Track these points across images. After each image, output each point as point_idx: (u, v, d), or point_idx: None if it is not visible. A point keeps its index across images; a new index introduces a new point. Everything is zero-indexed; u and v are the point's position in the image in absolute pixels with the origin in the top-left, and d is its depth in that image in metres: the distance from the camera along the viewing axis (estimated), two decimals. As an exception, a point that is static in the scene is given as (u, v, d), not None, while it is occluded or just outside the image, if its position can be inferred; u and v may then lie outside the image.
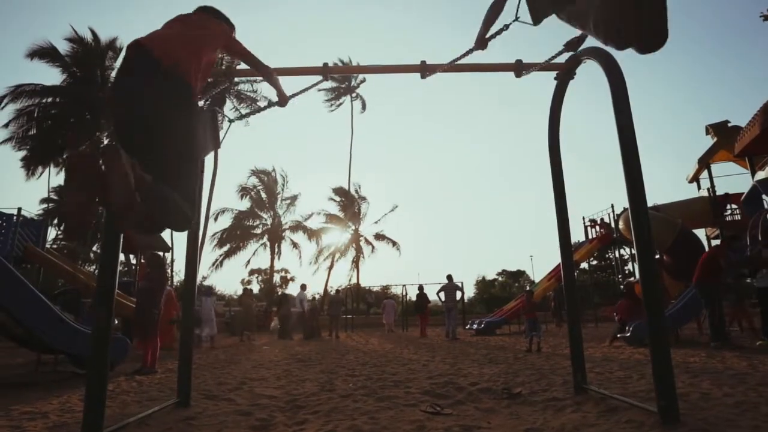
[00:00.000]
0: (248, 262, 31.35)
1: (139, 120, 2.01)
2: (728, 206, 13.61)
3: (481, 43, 2.93)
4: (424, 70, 3.20)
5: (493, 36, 2.89)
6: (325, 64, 3.21)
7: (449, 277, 13.38)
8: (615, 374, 4.48)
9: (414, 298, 15.93)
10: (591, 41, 2.97)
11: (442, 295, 13.19)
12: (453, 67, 3.15)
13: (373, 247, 32.16)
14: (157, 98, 2.00)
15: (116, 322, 11.36)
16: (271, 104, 3.28)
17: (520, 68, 3.26)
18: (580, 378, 3.47)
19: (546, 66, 3.30)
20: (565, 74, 3.36)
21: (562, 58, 3.24)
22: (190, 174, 2.12)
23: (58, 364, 5.99)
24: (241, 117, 3.35)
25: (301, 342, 12.87)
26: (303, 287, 16.23)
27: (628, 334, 7.94)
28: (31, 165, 23.38)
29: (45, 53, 22.61)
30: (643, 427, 2.35)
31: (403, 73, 3.32)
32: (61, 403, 3.64)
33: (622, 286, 14.70)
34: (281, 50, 67.41)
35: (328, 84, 34.61)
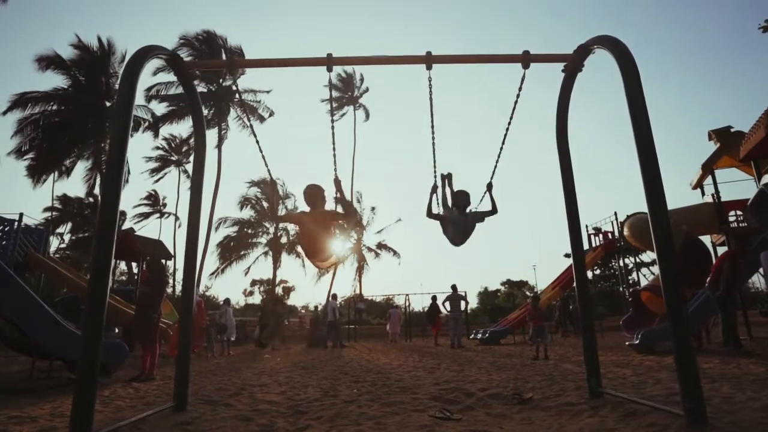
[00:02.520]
0: (248, 269, 31.15)
1: None
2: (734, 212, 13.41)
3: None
4: (429, 61, 3.10)
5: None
6: (329, 55, 3.11)
7: (454, 287, 13.40)
8: (629, 380, 4.32)
9: (415, 308, 15.90)
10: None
11: (447, 305, 13.27)
12: (459, 57, 3.06)
13: (376, 254, 32.04)
14: None
15: (116, 330, 11.26)
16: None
17: (527, 59, 3.16)
18: (595, 382, 3.31)
19: (554, 57, 3.20)
20: (573, 66, 3.26)
21: (571, 49, 3.14)
22: None
23: (53, 371, 5.84)
24: None
25: (304, 351, 12.69)
26: (334, 296, 16.39)
27: (637, 342, 7.75)
28: (35, 173, 23.43)
29: (50, 61, 22.78)
30: (668, 431, 2.20)
31: (408, 63, 3.21)
32: (52, 408, 3.50)
33: (628, 295, 14.49)
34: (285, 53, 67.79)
35: (333, 93, 34.78)
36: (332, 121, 3.77)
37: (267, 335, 14.70)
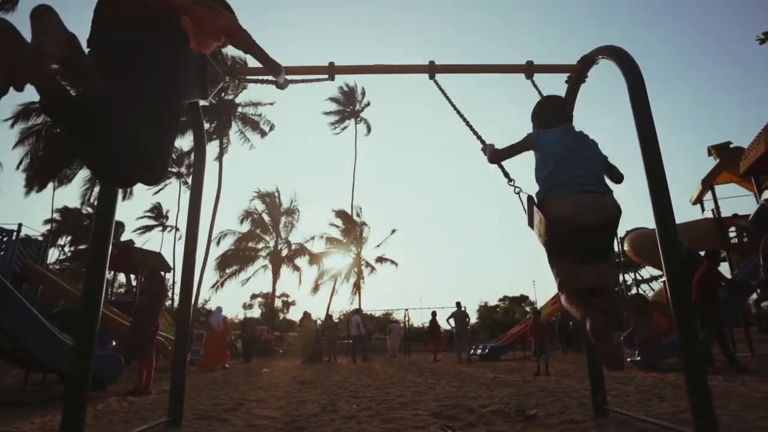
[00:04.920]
0: (246, 281, 31.06)
1: (119, 42, 1.82)
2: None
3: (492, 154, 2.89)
4: (433, 70, 3.09)
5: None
6: (332, 63, 3.11)
7: (458, 304, 13.41)
8: (633, 397, 4.23)
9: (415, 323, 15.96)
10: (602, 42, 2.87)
11: (452, 321, 13.27)
12: (462, 67, 3.05)
13: (372, 268, 31.96)
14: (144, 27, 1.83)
15: (113, 342, 11.13)
16: (268, 82, 3.07)
17: (530, 69, 3.15)
18: (600, 398, 3.23)
19: (558, 67, 3.19)
20: (576, 77, 3.25)
21: (574, 59, 3.13)
22: (166, 113, 1.86)
23: (46, 384, 5.73)
24: (237, 79, 2.80)
25: (302, 365, 12.55)
26: (358, 311, 16.52)
27: (638, 358, 7.64)
28: (34, 183, 23.47)
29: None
30: (678, 450, 2.13)
31: (411, 73, 3.20)
32: (43, 423, 3.41)
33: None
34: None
35: (333, 106, 35.05)
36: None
37: (310, 350, 14.73)
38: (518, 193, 2.80)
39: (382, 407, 3.98)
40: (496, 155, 2.86)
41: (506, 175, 2.92)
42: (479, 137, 3.05)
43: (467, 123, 3.11)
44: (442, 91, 3.12)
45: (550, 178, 2.47)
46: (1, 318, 4.50)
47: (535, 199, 2.59)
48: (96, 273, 2.16)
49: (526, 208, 2.66)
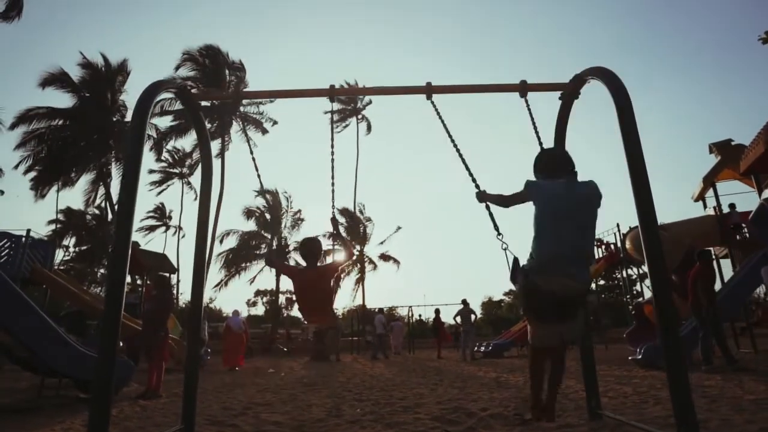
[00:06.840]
0: (252, 279, 31.33)
1: None
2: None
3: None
4: (430, 91, 3.21)
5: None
6: (332, 86, 3.24)
7: (464, 302, 13.61)
8: (629, 399, 4.35)
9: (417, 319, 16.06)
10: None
11: (458, 319, 13.49)
12: (458, 87, 3.17)
13: (375, 265, 32.10)
14: None
15: (120, 344, 11.33)
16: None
17: (524, 88, 3.27)
18: (595, 403, 3.36)
19: (551, 86, 3.31)
20: (569, 94, 3.37)
21: (567, 78, 3.24)
22: None
23: (62, 389, 5.90)
24: None
25: (307, 365, 12.72)
26: (381, 311, 16.91)
27: (639, 357, 7.75)
28: (39, 186, 23.65)
29: (56, 79, 23.12)
30: (662, 456, 2.25)
31: (409, 94, 3.33)
32: (63, 429, 3.57)
33: (631, 308, 14.46)
34: (289, 72, 68.48)
35: (336, 105, 35.09)
36: (332, 154, 3.50)
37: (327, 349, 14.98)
38: (505, 250, 2.83)
39: (385, 411, 4.12)
40: (489, 198, 3.01)
41: (496, 227, 3.01)
42: (474, 180, 3.16)
43: (464, 163, 3.22)
44: (441, 119, 3.26)
45: (540, 252, 2.51)
46: (19, 330, 4.66)
47: (520, 264, 2.69)
48: (114, 296, 2.30)
49: (510, 266, 2.74)
